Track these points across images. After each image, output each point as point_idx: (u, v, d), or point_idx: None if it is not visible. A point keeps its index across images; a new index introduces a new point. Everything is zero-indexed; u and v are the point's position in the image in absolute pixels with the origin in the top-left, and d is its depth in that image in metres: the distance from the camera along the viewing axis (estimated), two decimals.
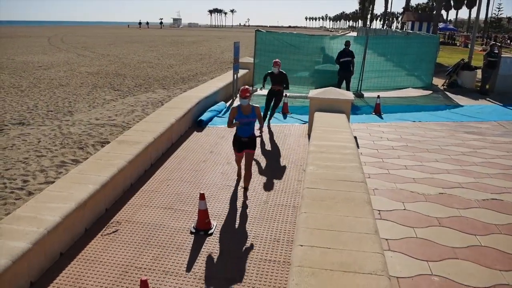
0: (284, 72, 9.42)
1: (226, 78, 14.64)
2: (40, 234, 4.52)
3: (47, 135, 9.80)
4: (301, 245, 3.83)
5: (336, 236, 4.05)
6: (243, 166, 6.55)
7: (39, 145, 9.04)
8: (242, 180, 6.69)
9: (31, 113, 11.91)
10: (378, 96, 12.53)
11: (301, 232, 4.07)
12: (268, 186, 6.74)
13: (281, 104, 10.25)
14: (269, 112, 9.95)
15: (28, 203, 5.18)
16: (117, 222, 5.63)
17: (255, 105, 6.05)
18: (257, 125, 6.58)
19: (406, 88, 16.02)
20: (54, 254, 4.80)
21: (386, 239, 5.27)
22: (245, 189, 6.44)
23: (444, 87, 16.94)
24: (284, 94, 10.07)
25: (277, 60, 9.37)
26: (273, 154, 8.22)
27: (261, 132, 8.53)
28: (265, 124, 9.76)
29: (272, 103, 9.83)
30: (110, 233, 5.35)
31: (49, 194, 5.38)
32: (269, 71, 9.55)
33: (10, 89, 15.31)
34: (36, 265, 4.48)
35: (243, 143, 6.19)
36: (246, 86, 5.98)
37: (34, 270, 4.46)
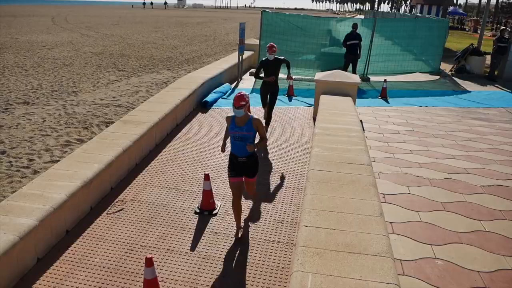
0: (281, 57, 7.76)
1: (231, 59, 14.52)
2: (47, 211, 4.55)
3: (52, 114, 9.80)
4: (306, 226, 3.84)
5: (341, 217, 4.05)
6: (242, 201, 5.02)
7: (44, 125, 9.05)
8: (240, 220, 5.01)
9: (36, 92, 11.89)
10: (385, 80, 12.40)
11: (306, 213, 4.07)
12: (273, 168, 6.73)
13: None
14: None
15: (34, 181, 5.21)
16: (122, 201, 5.65)
17: (254, 116, 4.59)
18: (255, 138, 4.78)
19: (413, 72, 15.85)
20: (60, 231, 4.85)
21: (390, 222, 5.28)
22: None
23: (452, 72, 16.74)
24: (291, 77, 8.57)
25: (272, 44, 7.64)
26: (278, 136, 8.19)
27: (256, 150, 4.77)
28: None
29: (268, 101, 8.03)
30: (116, 212, 5.39)
31: (54, 173, 5.40)
32: (263, 59, 7.81)
33: (14, 69, 15.27)
34: (42, 241, 4.53)
35: (241, 166, 4.66)
36: (242, 93, 4.48)
37: (41, 246, 4.51)
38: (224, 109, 9.94)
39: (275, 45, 7.62)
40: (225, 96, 11.06)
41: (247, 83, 13.25)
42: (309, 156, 6.98)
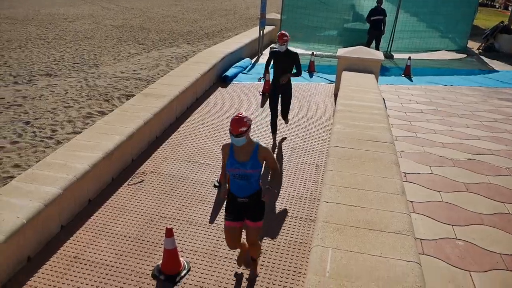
0: (294, 51, 6.24)
1: (252, 34, 14.30)
2: (70, 180, 4.64)
3: (74, 86, 9.90)
4: (327, 202, 3.82)
5: (362, 194, 4.01)
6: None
7: (66, 96, 9.16)
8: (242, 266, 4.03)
9: (58, 64, 12.00)
10: (409, 58, 12.06)
11: (327, 189, 4.05)
12: (292, 145, 6.69)
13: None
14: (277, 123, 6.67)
15: (58, 151, 5.30)
16: (143, 172, 5.72)
17: (262, 145, 3.38)
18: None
19: (439, 50, 15.35)
20: (83, 200, 4.95)
21: (411, 202, 5.21)
22: (253, 260, 3.93)
23: (480, 51, 16.15)
24: (294, 73, 6.25)
25: (283, 32, 6.11)
26: (297, 113, 8.11)
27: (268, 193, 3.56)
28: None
29: (279, 104, 6.52)
30: (136, 183, 5.46)
31: (77, 143, 5.48)
32: (273, 49, 6.41)
33: (37, 41, 15.40)
34: (66, 210, 4.63)
35: (241, 207, 3.55)
36: (241, 114, 3.25)
37: (64, 214, 4.62)
38: (244, 84, 9.86)
39: (287, 34, 6.06)
40: (245, 71, 10.96)
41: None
42: (329, 133, 6.90)
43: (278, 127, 6.71)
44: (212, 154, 6.31)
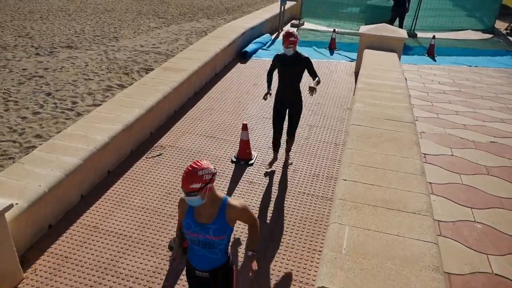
0: (304, 55, 4.68)
1: (272, 9, 14.04)
2: (90, 151, 4.71)
3: (94, 59, 9.95)
4: (345, 180, 3.79)
5: (381, 173, 3.96)
6: None
7: (86, 69, 9.22)
8: None
9: (79, 37, 12.05)
10: (433, 37, 11.69)
11: (346, 167, 4.01)
12: (310, 122, 6.62)
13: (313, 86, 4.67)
14: (282, 137, 5.31)
15: (78, 122, 5.37)
16: (161, 146, 5.77)
17: (231, 200, 2.43)
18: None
19: (464, 30, 14.83)
20: (103, 171, 5.03)
21: (430, 183, 5.14)
22: None
23: (508, 31, 15.54)
24: (313, 89, 4.61)
25: (290, 31, 4.58)
26: (317, 90, 7.99)
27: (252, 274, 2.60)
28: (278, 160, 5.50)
29: (286, 120, 5.13)
30: (154, 156, 5.51)
31: (97, 115, 5.53)
32: (278, 54, 4.84)
33: (58, 13, 15.45)
34: (86, 180, 4.72)
35: (200, 285, 2.62)
36: (196, 164, 2.31)
37: (84, 184, 4.71)
38: (263, 60, 9.74)
39: (295, 33, 4.56)
40: (265, 47, 10.81)
41: None
42: (348, 112, 6.81)
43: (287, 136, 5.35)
44: (230, 129, 6.31)
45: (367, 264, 2.79)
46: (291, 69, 4.70)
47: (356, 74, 8.50)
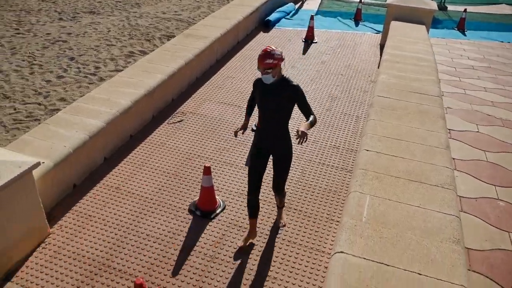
0: (293, 82, 3.26)
1: None
2: (113, 115, 4.76)
3: (116, 25, 9.93)
4: (367, 150, 3.74)
5: (404, 146, 3.90)
6: None
7: (108, 35, 9.23)
8: None
9: (101, 2, 12.01)
10: (465, 10, 11.22)
11: (369, 138, 3.95)
12: (332, 94, 6.52)
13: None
14: (260, 196, 3.76)
15: (102, 86, 5.41)
16: (182, 112, 5.79)
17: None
18: None
19: (499, 4, 14.18)
20: (125, 135, 5.09)
21: (454, 159, 5.04)
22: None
23: None
24: (303, 136, 3.00)
25: (269, 50, 3.20)
26: (340, 62, 7.84)
27: None
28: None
29: (266, 171, 3.69)
30: (176, 122, 5.55)
31: (120, 80, 5.56)
32: (259, 78, 3.44)
33: None
34: (109, 143, 4.80)
35: None
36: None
37: (107, 147, 4.79)
38: (286, 30, 9.55)
39: (276, 52, 3.19)
40: (288, 17, 10.58)
41: (312, 3, 12.54)
42: (372, 85, 6.67)
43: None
44: None
45: (387, 233, 2.78)
46: (273, 100, 3.24)
47: (382, 46, 8.28)
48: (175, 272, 3.42)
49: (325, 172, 4.68)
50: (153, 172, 4.59)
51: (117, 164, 4.70)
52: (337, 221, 3.95)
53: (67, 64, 7.62)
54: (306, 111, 3.22)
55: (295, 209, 4.11)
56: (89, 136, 4.38)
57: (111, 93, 5.19)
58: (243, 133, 3.66)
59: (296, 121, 5.39)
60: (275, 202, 4.00)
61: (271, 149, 3.45)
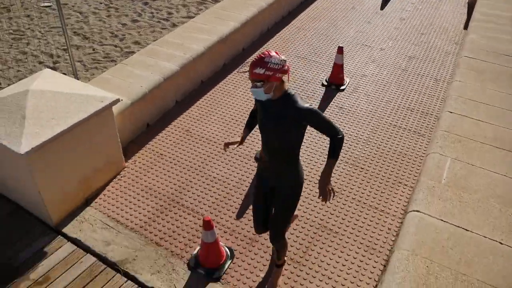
0: (297, 102, 2.30)
1: None
2: (187, 59, 4.82)
3: None
4: (451, 112, 3.51)
5: (492, 110, 3.60)
6: None
7: None
8: None
9: None
10: None
11: (453, 99, 3.70)
12: (410, 53, 6.13)
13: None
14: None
15: (176, 31, 5.46)
16: None
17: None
18: None
19: None
20: (197, 80, 5.16)
21: None
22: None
23: None
24: (330, 193, 2.37)
25: (263, 56, 2.21)
26: (420, 20, 7.29)
27: None
28: None
29: (270, 208, 2.82)
30: (246, 72, 5.52)
31: (193, 25, 5.57)
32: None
33: None
34: (181, 86, 4.89)
35: None
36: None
37: (179, 91, 4.89)
38: None
39: (274, 58, 2.23)
40: None
41: None
42: (455, 46, 6.17)
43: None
44: (323, 52, 6.05)
45: (467, 198, 2.63)
46: (272, 122, 2.39)
47: (469, 4, 7.56)
48: (239, 215, 3.51)
49: (396, 134, 4.48)
50: (222, 118, 4.65)
51: (188, 108, 4.81)
52: (405, 184, 3.81)
53: (141, 9, 7.76)
54: (326, 132, 2.34)
55: (362, 168, 4.01)
56: (164, 78, 4.48)
57: (184, 38, 5.24)
58: (226, 149, 2.81)
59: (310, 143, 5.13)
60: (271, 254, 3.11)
61: (273, 181, 2.64)
